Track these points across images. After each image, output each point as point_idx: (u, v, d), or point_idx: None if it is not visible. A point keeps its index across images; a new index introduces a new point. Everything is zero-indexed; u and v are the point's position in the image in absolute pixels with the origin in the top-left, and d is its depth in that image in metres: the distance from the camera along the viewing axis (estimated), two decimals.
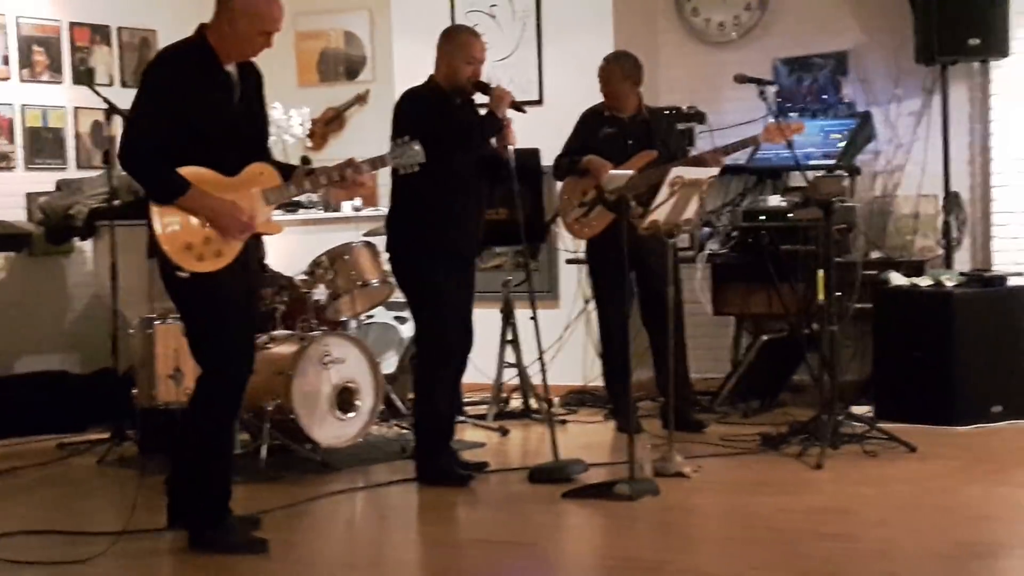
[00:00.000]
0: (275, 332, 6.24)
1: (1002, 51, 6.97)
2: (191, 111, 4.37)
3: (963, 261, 7.25)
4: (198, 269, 4.41)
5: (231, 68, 4.51)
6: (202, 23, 4.50)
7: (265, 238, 4.78)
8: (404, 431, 6.52)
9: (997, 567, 4.37)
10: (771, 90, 6.66)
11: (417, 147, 4.91)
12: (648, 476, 5.34)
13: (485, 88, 5.61)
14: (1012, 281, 6.80)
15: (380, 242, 6.15)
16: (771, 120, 6.62)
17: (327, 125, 8.84)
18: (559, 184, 6.85)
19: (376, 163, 4.93)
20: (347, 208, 8.38)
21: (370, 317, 7.36)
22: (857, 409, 6.53)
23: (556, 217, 7.05)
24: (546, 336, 6.16)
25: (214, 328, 4.50)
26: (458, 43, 5.62)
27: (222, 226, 4.42)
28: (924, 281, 6.76)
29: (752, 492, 5.35)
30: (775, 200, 7.33)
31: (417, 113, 5.50)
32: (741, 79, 6.53)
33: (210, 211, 4.40)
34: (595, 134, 6.64)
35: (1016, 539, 4.72)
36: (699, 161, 6.45)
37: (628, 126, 6.65)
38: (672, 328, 6.01)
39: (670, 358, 6.06)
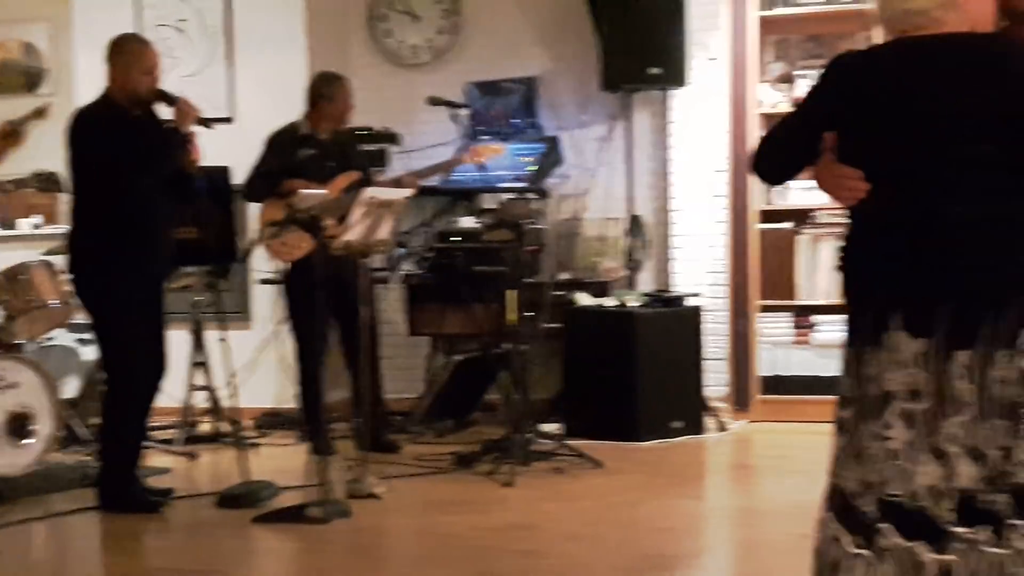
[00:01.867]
0: None
1: (680, 81, 7.27)
2: None
3: (646, 282, 7.52)
4: None
5: None
6: None
7: None
8: (86, 458, 6.27)
9: None
10: (463, 113, 6.73)
11: None
12: (340, 498, 5.30)
13: (167, 98, 5.42)
14: (690, 301, 7.09)
15: (61, 261, 5.89)
16: (472, 142, 6.69)
17: (5, 139, 8.38)
18: (254, 205, 6.71)
19: None
20: (25, 226, 8.01)
21: (50, 339, 7.04)
22: (547, 427, 6.67)
23: (259, 240, 6.89)
24: (239, 357, 6.04)
25: None
26: (129, 53, 5.41)
27: None
28: (609, 301, 6.98)
29: (444, 511, 5.38)
30: (468, 221, 7.41)
31: (93, 134, 5.29)
32: (434, 101, 6.59)
33: None
34: (291, 155, 6.51)
35: (693, 549, 4.92)
36: (404, 182, 6.43)
37: (328, 146, 6.59)
38: (366, 349, 5.99)
39: (363, 378, 6.04)
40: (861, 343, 2.86)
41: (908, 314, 2.78)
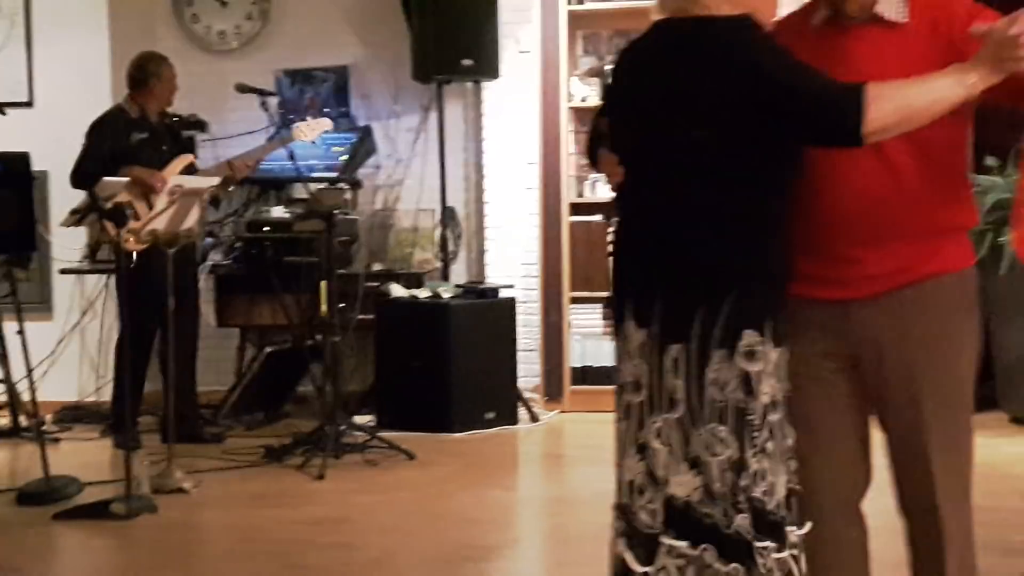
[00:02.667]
0: None
1: (492, 73, 7.29)
2: None
3: (459, 273, 7.53)
4: None
5: None
6: None
7: None
8: None
9: (489, 568, 4.55)
10: (273, 101, 6.63)
11: None
12: (146, 493, 5.17)
13: None
14: (503, 292, 7.13)
15: None
16: (295, 123, 6.59)
17: None
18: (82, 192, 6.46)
19: None
20: None
21: None
22: (360, 419, 6.63)
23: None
24: (39, 350, 5.84)
25: None
26: None
27: None
28: (423, 293, 6.97)
29: (254, 505, 5.30)
30: (278, 211, 7.31)
31: None
32: (242, 89, 6.49)
33: None
34: (124, 139, 6.30)
35: (505, 540, 4.94)
36: (235, 166, 6.33)
37: (160, 130, 6.45)
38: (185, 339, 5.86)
39: (171, 369, 5.91)
40: (614, 333, 2.83)
41: (636, 304, 2.73)
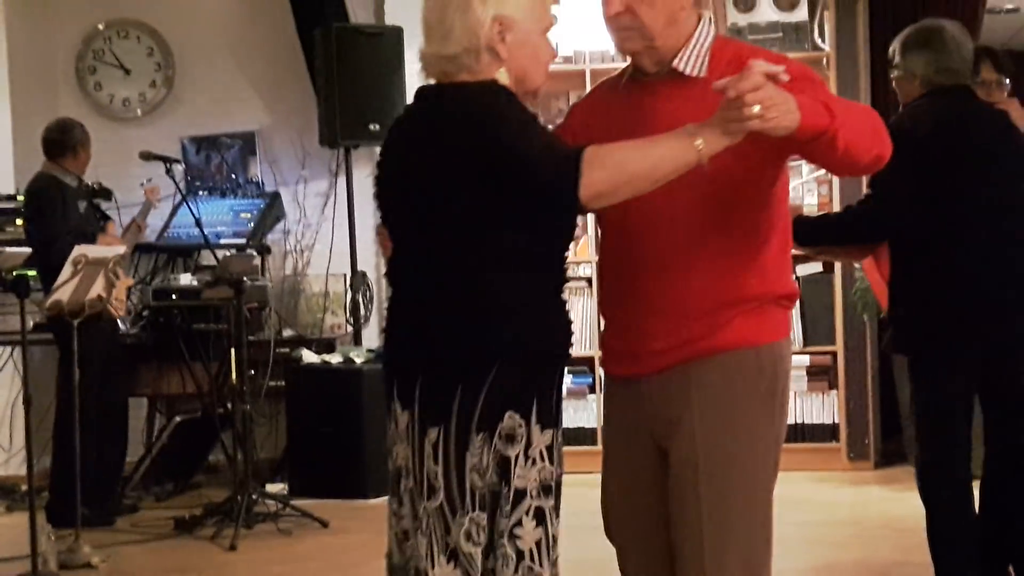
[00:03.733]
0: None
1: None
2: None
3: (371, 338, 7.49)
4: None
5: None
6: None
7: None
8: None
9: None
10: (178, 168, 6.60)
11: None
12: (53, 570, 5.06)
13: None
14: None
15: None
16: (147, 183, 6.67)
17: None
18: None
19: None
20: None
21: None
22: (272, 487, 6.55)
23: None
24: None
25: None
26: None
27: None
28: (335, 358, 6.92)
29: None
30: (186, 279, 7.24)
31: None
32: (146, 156, 6.47)
33: None
34: (74, 210, 6.29)
35: None
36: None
37: (89, 197, 6.50)
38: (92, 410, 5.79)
39: (76, 440, 5.81)
40: (386, 412, 2.71)
41: (400, 383, 2.64)
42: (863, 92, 7.08)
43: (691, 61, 2.71)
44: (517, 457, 2.56)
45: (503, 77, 2.63)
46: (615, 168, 2.44)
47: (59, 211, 6.25)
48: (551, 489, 2.61)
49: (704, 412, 2.68)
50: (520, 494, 2.56)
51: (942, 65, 4.02)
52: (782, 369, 2.77)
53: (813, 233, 4.17)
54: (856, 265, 6.62)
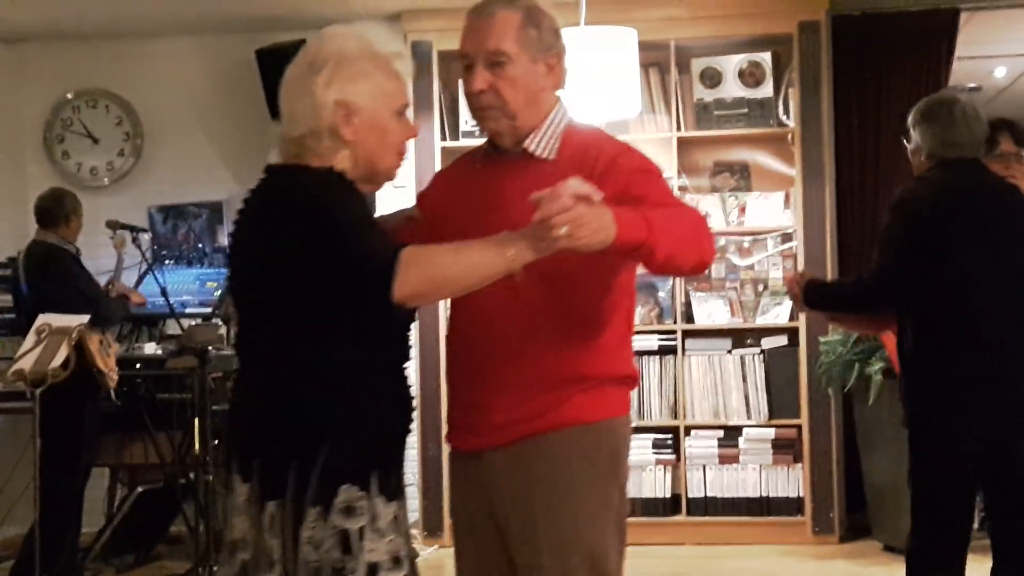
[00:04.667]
0: None
1: None
2: None
3: None
4: None
5: None
6: None
7: None
8: None
9: None
10: (145, 237, 6.59)
11: None
12: None
13: None
14: None
15: None
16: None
17: None
18: None
19: None
20: None
21: None
22: None
23: None
24: None
25: None
26: None
27: None
28: None
29: None
30: (151, 348, 7.21)
31: None
32: (113, 226, 6.48)
33: None
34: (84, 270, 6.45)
35: None
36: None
37: None
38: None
39: (35, 513, 5.76)
40: (224, 485, 2.73)
41: (240, 457, 2.65)
42: (827, 167, 7.15)
43: (543, 143, 2.77)
44: (363, 530, 2.54)
45: (346, 161, 2.64)
46: (429, 271, 2.46)
47: (79, 272, 6.39)
48: (401, 562, 2.59)
49: (543, 489, 2.69)
50: (373, 568, 2.54)
51: (948, 139, 4.01)
52: (622, 445, 2.80)
53: (822, 300, 4.20)
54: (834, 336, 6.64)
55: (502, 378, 2.72)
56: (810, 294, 4.17)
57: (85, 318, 5.91)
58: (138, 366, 7.08)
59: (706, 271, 2.75)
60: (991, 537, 3.99)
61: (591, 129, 2.91)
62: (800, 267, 7.01)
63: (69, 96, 7.95)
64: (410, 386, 2.72)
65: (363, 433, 2.57)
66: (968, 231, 3.89)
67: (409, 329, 2.71)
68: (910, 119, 4.14)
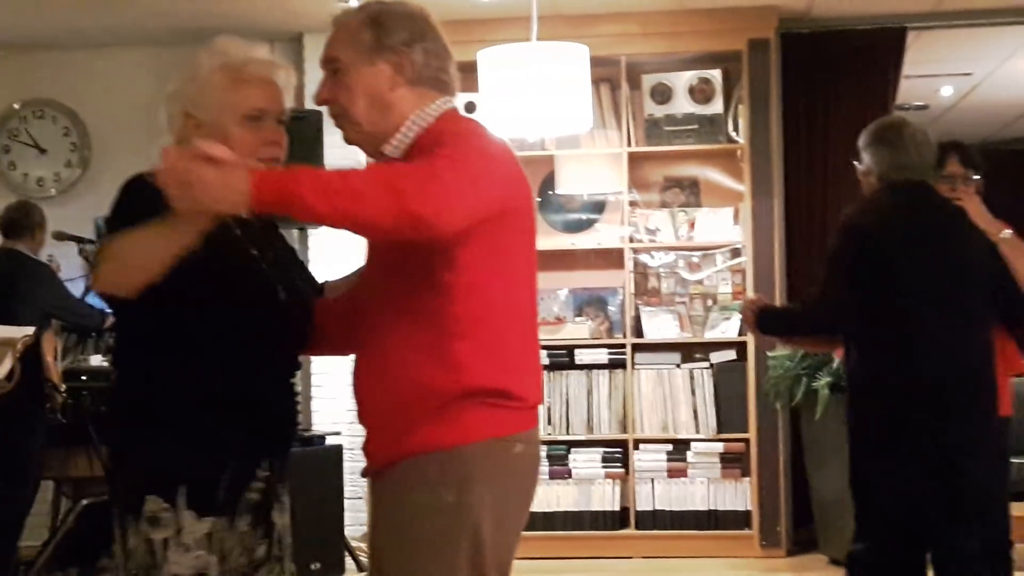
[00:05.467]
0: None
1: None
2: None
3: None
4: None
5: None
6: None
7: None
8: None
9: None
10: (91, 248, 6.54)
11: None
12: None
13: None
14: (330, 440, 7.04)
15: None
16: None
17: None
18: None
19: None
20: None
21: None
22: None
23: None
24: None
25: None
26: None
27: None
28: None
29: None
30: (97, 360, 7.14)
31: None
32: (59, 236, 6.44)
33: None
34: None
35: None
36: None
37: None
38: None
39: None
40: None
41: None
42: (776, 183, 7.21)
43: (400, 146, 2.61)
44: (167, 542, 2.56)
45: None
46: (116, 261, 2.51)
47: (64, 287, 6.51)
48: None
49: (385, 524, 2.58)
50: None
51: (896, 162, 4.03)
52: (477, 474, 2.50)
53: (773, 326, 4.29)
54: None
55: (365, 402, 2.62)
56: (763, 320, 4.23)
57: (30, 330, 5.85)
58: (83, 378, 7.00)
59: (429, 227, 2.33)
60: (932, 554, 4.00)
61: (445, 127, 2.61)
62: (749, 282, 7.06)
63: (16, 106, 7.88)
64: (270, 402, 2.67)
65: (176, 446, 2.57)
66: (913, 255, 3.92)
67: (266, 340, 2.64)
68: (860, 141, 4.16)
